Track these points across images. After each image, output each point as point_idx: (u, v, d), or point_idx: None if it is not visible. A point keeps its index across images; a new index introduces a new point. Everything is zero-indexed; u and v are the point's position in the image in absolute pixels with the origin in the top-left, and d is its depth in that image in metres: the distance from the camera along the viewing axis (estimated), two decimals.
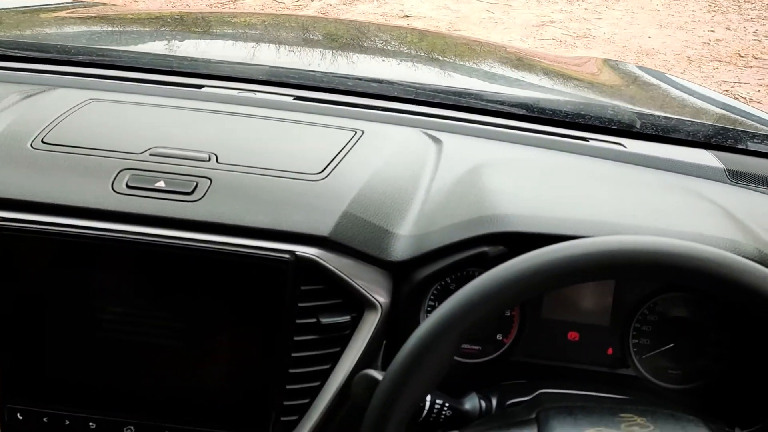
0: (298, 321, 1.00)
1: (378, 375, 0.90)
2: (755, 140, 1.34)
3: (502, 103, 1.41)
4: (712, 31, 6.70)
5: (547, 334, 1.15)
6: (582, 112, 1.39)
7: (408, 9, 6.93)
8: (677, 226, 1.05)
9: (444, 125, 1.30)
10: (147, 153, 1.08)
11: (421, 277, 1.03)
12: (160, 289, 1.00)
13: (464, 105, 1.38)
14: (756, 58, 6.15)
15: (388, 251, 1.02)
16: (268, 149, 1.13)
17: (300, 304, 1.00)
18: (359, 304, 1.02)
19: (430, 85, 1.48)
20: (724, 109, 1.59)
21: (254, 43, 1.70)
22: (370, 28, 2.15)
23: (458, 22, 6.62)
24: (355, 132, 1.20)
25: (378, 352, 1.04)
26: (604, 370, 1.15)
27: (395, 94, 1.39)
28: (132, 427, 1.02)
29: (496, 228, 1.00)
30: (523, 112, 1.38)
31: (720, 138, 1.33)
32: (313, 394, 1.02)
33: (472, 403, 0.97)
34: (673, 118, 1.43)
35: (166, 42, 1.68)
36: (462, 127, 1.30)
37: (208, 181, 1.03)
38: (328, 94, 1.37)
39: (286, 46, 1.71)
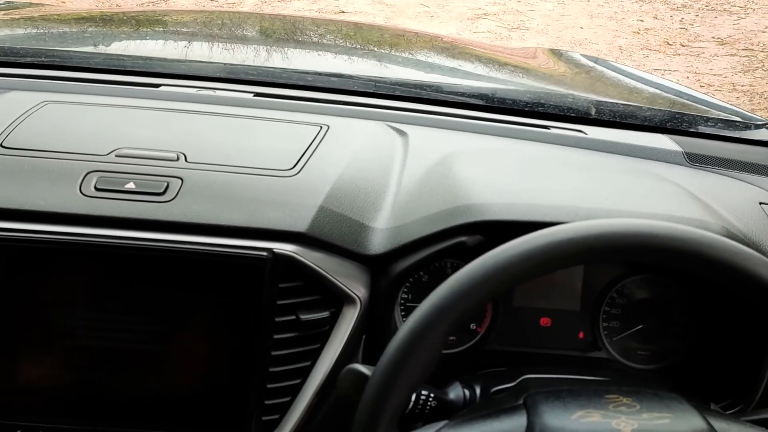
0: (277, 319, 0.99)
1: (364, 369, 0.90)
2: (709, 124, 1.38)
3: (462, 94, 1.42)
4: (641, 20, 6.86)
5: (520, 321, 1.17)
6: (541, 101, 1.41)
7: (343, 5, 6.91)
8: (649, 208, 1.08)
9: (407, 117, 1.30)
10: (113, 154, 1.05)
11: (398, 269, 1.03)
12: (135, 292, 0.98)
13: (425, 97, 1.39)
14: (684, 46, 6.32)
15: (365, 245, 1.02)
16: (236, 146, 1.12)
17: (279, 302, 0.99)
18: (338, 300, 1.01)
19: (389, 78, 1.48)
20: (675, 95, 1.63)
21: (206, 41, 1.68)
22: (321, 24, 2.14)
23: (394, 17, 6.63)
24: (321, 127, 1.20)
25: (358, 346, 1.04)
26: (577, 354, 1.17)
27: (355, 88, 1.39)
28: None
29: (472, 217, 1.01)
30: (483, 102, 1.39)
31: (676, 122, 1.36)
32: (294, 392, 1.02)
33: (455, 392, 0.98)
34: (629, 105, 1.46)
35: (115, 41, 1.64)
36: (425, 119, 1.31)
37: (180, 181, 1.02)
38: (288, 90, 1.36)
39: (239, 43, 1.69)
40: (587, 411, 0.83)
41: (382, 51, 1.83)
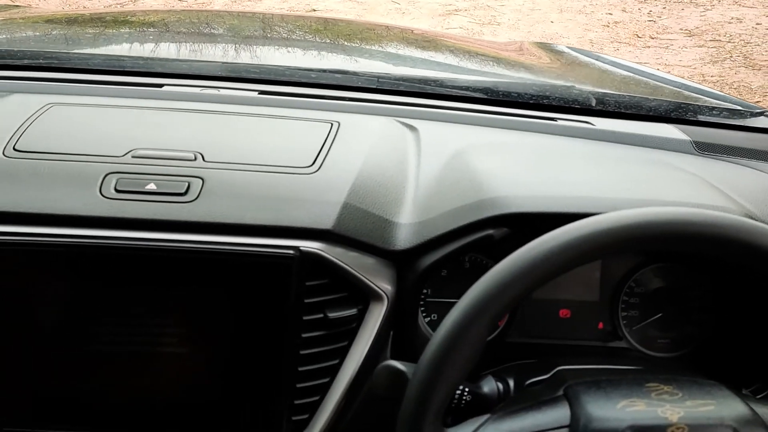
0: (305, 317, 0.98)
1: (400, 365, 0.89)
2: (714, 112, 1.39)
3: (466, 88, 1.41)
4: (610, 14, 6.92)
5: (540, 313, 1.17)
6: (546, 94, 1.41)
7: (314, 2, 6.89)
8: (671, 196, 1.08)
9: (414, 112, 1.30)
10: (129, 155, 1.03)
11: (425, 265, 1.02)
12: (160, 295, 0.96)
13: (429, 92, 1.38)
14: (653, 38, 6.38)
15: (391, 241, 1.01)
16: (251, 145, 1.10)
17: (306, 300, 0.98)
18: (365, 296, 1.00)
19: (392, 74, 1.47)
20: (671, 85, 1.64)
21: (205, 40, 1.66)
22: (320, 22, 2.12)
23: (365, 14, 6.63)
24: (331, 123, 1.19)
25: (386, 343, 1.03)
26: (597, 344, 1.17)
27: (359, 84, 1.38)
28: None
29: (499, 210, 1.01)
30: (487, 96, 1.39)
31: (681, 112, 1.37)
32: (324, 390, 1.01)
33: (489, 386, 0.97)
34: (633, 96, 1.46)
35: (113, 42, 1.61)
36: (432, 113, 1.30)
37: (200, 181, 1.00)
38: (291, 87, 1.34)
39: (239, 42, 1.67)
40: (631, 400, 0.83)
41: (382, 48, 1.82)
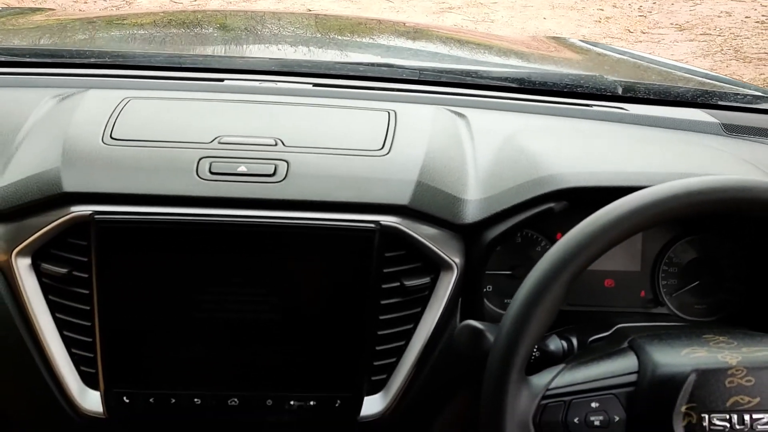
0: (383, 286, 1.08)
1: (479, 325, 0.99)
2: (739, 97, 1.50)
3: (504, 79, 1.51)
4: (601, 9, 7.04)
5: (586, 283, 1.27)
6: (580, 83, 1.51)
7: (309, 2, 6.97)
8: (713, 170, 1.18)
9: (459, 101, 1.39)
10: (216, 142, 1.12)
11: (490, 237, 1.12)
12: (254, 267, 1.05)
13: (469, 83, 1.48)
14: (644, 33, 6.51)
15: (460, 215, 1.11)
16: (323, 130, 1.20)
17: (385, 270, 1.07)
18: (436, 266, 1.10)
19: (432, 66, 1.56)
20: (694, 75, 1.74)
21: (255, 39, 1.75)
22: (353, 20, 2.22)
23: (360, 13, 6.71)
24: (388, 112, 1.28)
25: (456, 309, 1.12)
26: (640, 311, 1.27)
27: (403, 76, 1.47)
28: (236, 399, 1.07)
29: (558, 185, 1.10)
30: (525, 86, 1.48)
31: (707, 97, 1.47)
32: (399, 353, 1.10)
33: (555, 344, 1.07)
34: (662, 84, 1.57)
35: (168, 42, 1.70)
36: (477, 102, 1.40)
37: (285, 164, 1.09)
38: (342, 80, 1.43)
39: (284, 40, 1.76)
40: (692, 348, 0.93)
41: (417, 44, 1.92)
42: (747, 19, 6.60)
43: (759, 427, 0.87)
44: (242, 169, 1.08)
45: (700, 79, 1.71)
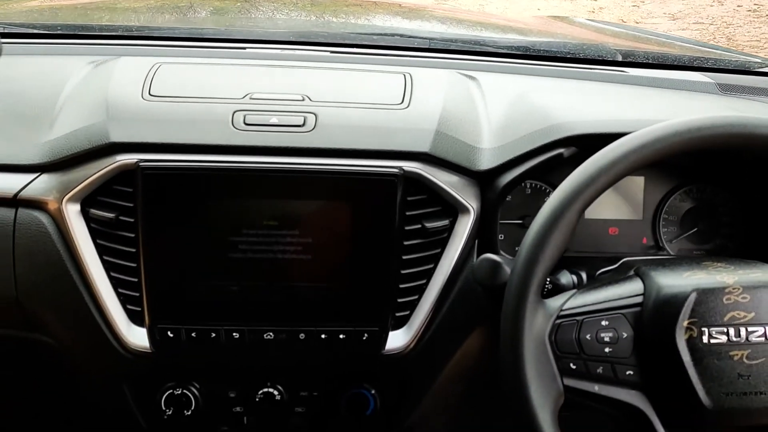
0: (406, 227, 1.16)
1: (496, 258, 1.08)
2: (733, 61, 1.59)
3: (511, 47, 1.60)
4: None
5: (592, 230, 1.36)
6: (582, 49, 1.60)
7: None
8: None
9: (469, 65, 1.48)
10: (247, 98, 1.21)
11: (504, 183, 1.20)
12: (287, 210, 1.14)
13: (477, 50, 1.57)
14: (638, 23, 6.61)
15: (476, 162, 1.20)
16: (346, 89, 1.28)
17: (407, 213, 1.16)
18: (454, 210, 1.19)
19: (442, 34, 1.65)
20: (691, 44, 1.84)
21: (272, 10, 1.83)
22: None
23: None
24: (404, 74, 1.36)
25: (472, 250, 1.21)
26: (642, 257, 1.36)
27: (414, 45, 1.56)
28: (271, 333, 1.16)
29: (568, 132, 1.19)
30: (531, 52, 1.57)
31: (702, 61, 1.57)
32: (421, 291, 1.19)
33: (566, 277, 1.16)
34: (659, 51, 1.66)
35: (189, 13, 1.79)
36: (485, 65, 1.48)
37: (314, 116, 1.18)
38: (357, 48, 1.52)
39: (301, 11, 1.85)
40: (693, 272, 1.02)
41: (425, 19, 2.01)
42: (739, 8, 6.71)
43: (753, 338, 0.97)
44: (274, 120, 1.17)
45: (696, 47, 1.80)
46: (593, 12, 6.81)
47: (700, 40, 5.99)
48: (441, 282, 1.19)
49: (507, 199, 1.30)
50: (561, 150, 1.19)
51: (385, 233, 1.15)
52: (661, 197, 1.36)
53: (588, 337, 0.99)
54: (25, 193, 1.15)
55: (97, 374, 1.21)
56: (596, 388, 0.99)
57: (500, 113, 1.29)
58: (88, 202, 1.15)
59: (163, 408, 1.20)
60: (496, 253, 1.24)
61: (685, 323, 0.97)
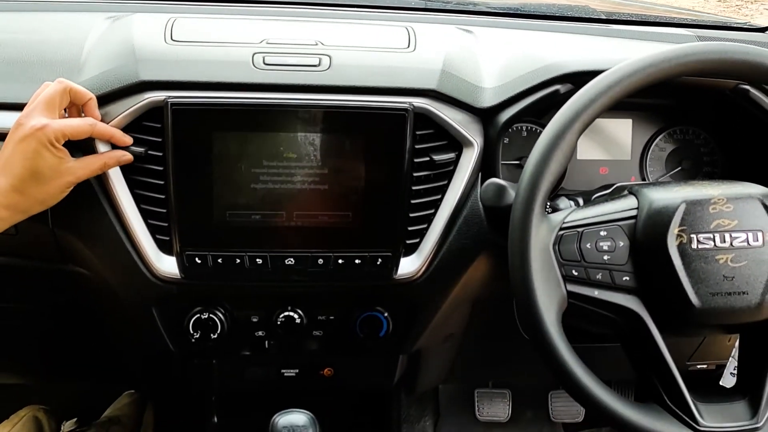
0: (415, 160, 1.25)
1: (502, 181, 1.18)
2: (713, 20, 1.70)
3: (503, 7, 1.70)
4: None
5: (583, 171, 1.46)
6: (570, 10, 1.70)
7: None
8: None
9: (466, 21, 1.57)
10: (264, 42, 1.29)
11: (504, 119, 1.30)
12: (305, 143, 1.22)
13: (471, 9, 1.66)
14: None
15: (479, 100, 1.29)
16: (354, 36, 1.37)
17: (416, 146, 1.25)
18: (459, 145, 1.28)
19: None
20: (674, 8, 1.94)
21: None
22: None
23: None
24: (406, 28, 1.46)
25: (476, 183, 1.30)
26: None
27: (411, 5, 1.66)
28: (291, 259, 1.24)
29: (564, 70, 1.29)
30: (521, 11, 1.67)
31: (683, 19, 1.68)
32: (429, 220, 1.28)
33: (564, 203, 1.26)
34: (641, 12, 1.77)
35: None
36: (480, 21, 1.58)
37: (328, 57, 1.27)
38: (357, 8, 1.61)
39: None
40: (681, 187, 1.12)
41: None
42: None
43: (737, 243, 1.07)
44: (292, 60, 1.25)
45: (678, 9, 1.91)
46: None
47: None
48: (448, 212, 1.28)
49: (505, 141, 1.40)
50: (558, 86, 1.28)
51: (396, 164, 1.24)
52: (648, 139, 1.47)
53: (588, 246, 1.09)
54: None
55: (130, 301, 1.29)
56: (596, 293, 1.09)
57: (498, 58, 1.39)
58: None
59: (191, 332, 1.29)
60: None
61: (676, 230, 1.07)
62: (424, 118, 1.26)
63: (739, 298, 1.07)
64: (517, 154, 1.42)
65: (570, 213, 1.12)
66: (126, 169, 1.23)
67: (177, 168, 1.20)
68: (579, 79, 1.28)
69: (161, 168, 1.21)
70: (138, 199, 1.23)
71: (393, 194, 1.25)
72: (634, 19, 1.68)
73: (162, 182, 1.22)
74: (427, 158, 1.26)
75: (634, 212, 1.11)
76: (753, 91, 1.30)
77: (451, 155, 1.28)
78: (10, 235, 1.19)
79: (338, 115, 1.22)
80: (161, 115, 1.20)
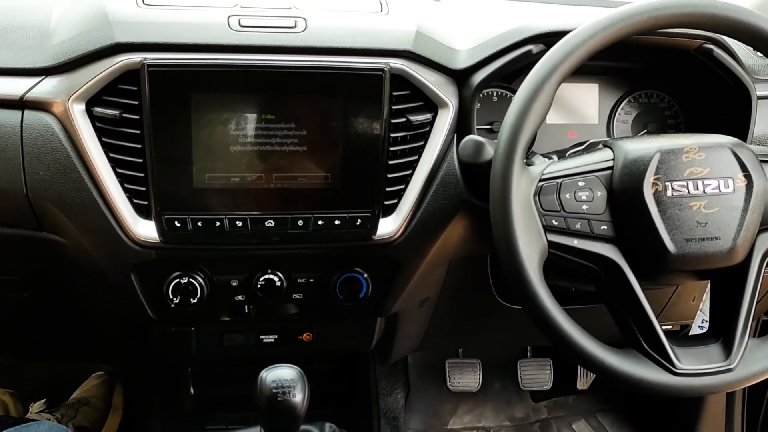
0: (392, 121, 1.26)
1: (479, 138, 1.20)
2: None
3: None
4: None
5: (553, 134, 1.49)
6: None
7: None
8: None
9: None
10: (239, 6, 1.29)
11: (478, 80, 1.31)
12: (283, 105, 1.22)
13: None
14: None
15: (454, 61, 1.31)
16: (326, 0, 1.38)
17: (393, 107, 1.26)
18: (435, 106, 1.30)
19: None
20: None
21: None
22: None
23: None
24: None
25: (452, 145, 1.31)
26: None
27: None
28: (272, 221, 1.25)
29: (536, 31, 1.31)
30: None
31: None
32: (406, 181, 1.29)
33: (539, 159, 1.28)
34: None
35: None
36: None
37: (304, 20, 1.27)
38: None
39: None
40: (655, 138, 1.15)
41: None
42: None
43: (709, 190, 1.10)
44: (268, 23, 1.25)
45: None
46: None
47: None
48: (425, 173, 1.30)
49: (477, 106, 1.42)
50: (530, 47, 1.31)
51: (373, 125, 1.25)
52: (614, 102, 1.50)
53: (567, 196, 1.12)
54: (30, 95, 1.21)
55: (108, 268, 1.28)
56: (575, 242, 1.11)
57: (470, 23, 1.41)
58: (92, 102, 1.21)
59: (170, 297, 1.28)
60: None
61: (651, 179, 1.10)
62: (400, 79, 1.27)
63: (712, 243, 1.11)
64: (488, 119, 1.45)
65: (549, 165, 1.15)
66: (101, 134, 1.21)
67: (155, 131, 1.19)
68: (552, 39, 1.30)
69: (138, 131, 1.20)
70: (114, 164, 1.22)
71: (371, 155, 1.26)
72: None
73: (139, 146, 1.21)
74: (404, 119, 1.28)
75: (610, 163, 1.14)
76: (716, 50, 1.34)
77: (428, 116, 1.29)
78: None
79: (316, 76, 1.23)
80: (137, 77, 1.19)
